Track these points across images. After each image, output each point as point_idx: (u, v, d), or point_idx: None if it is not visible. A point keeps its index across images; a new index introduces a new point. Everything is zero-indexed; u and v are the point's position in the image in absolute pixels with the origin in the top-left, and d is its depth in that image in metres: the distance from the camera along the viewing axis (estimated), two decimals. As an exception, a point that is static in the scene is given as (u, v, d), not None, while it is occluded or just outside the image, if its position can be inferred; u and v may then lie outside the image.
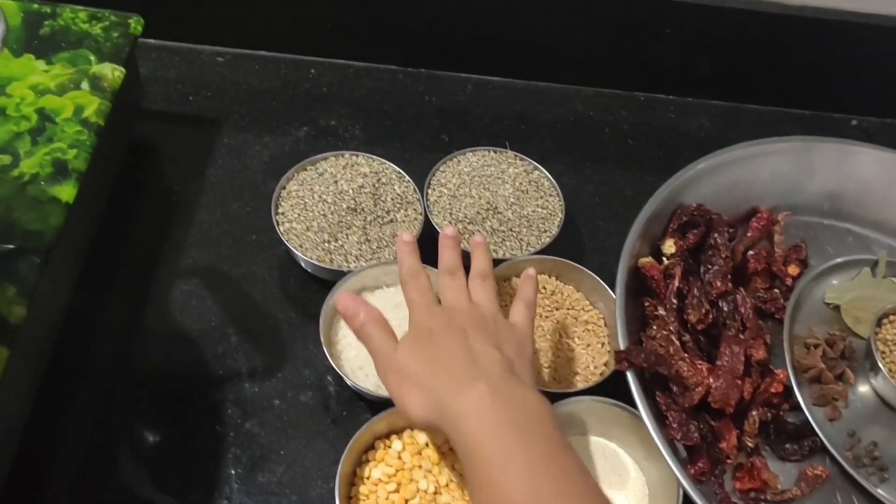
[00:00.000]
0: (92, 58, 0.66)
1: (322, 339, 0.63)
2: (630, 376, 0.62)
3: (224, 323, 0.69)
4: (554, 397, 0.62)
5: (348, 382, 0.63)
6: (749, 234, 0.75)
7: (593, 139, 0.87)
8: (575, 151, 0.85)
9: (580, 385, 0.65)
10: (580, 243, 0.77)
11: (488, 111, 0.87)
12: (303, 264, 0.70)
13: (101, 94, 0.64)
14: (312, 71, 0.88)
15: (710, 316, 0.67)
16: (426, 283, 0.58)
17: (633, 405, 0.61)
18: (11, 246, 0.55)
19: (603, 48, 0.88)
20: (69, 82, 0.65)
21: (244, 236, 0.74)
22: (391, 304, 0.67)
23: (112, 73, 0.66)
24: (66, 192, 0.58)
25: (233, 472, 0.61)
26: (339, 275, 0.66)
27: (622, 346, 0.63)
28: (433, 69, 0.90)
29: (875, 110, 0.92)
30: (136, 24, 0.69)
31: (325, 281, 0.68)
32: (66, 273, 0.64)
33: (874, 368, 0.68)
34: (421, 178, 0.74)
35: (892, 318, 0.70)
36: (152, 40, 0.86)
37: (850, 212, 0.80)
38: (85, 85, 0.65)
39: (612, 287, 0.67)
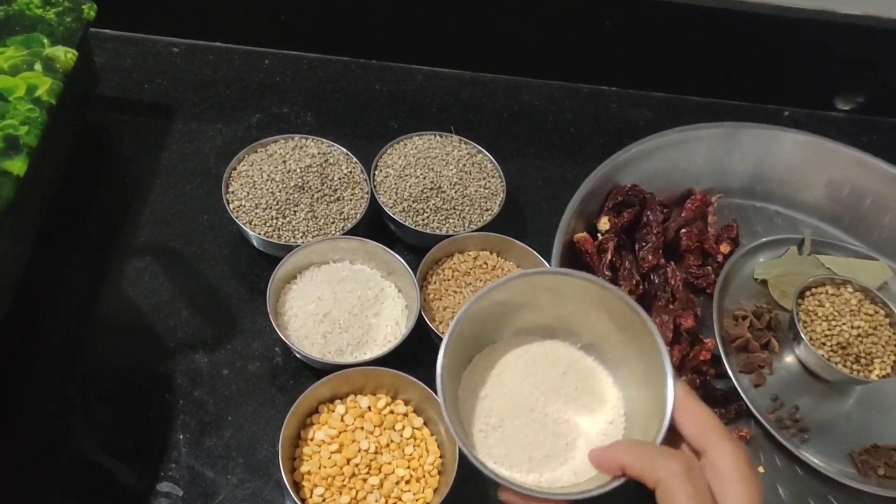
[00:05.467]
0: (45, 41, 0.69)
1: (269, 310, 0.65)
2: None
3: (175, 298, 0.71)
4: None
5: (294, 352, 0.66)
6: (683, 215, 0.79)
7: (537, 127, 0.90)
8: (519, 138, 0.88)
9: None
10: (523, 224, 0.81)
11: (437, 100, 0.90)
12: (253, 241, 0.72)
13: (54, 74, 0.66)
14: (266, 62, 0.91)
15: (642, 287, 0.70)
16: None
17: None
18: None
19: (547, 41, 0.91)
20: (22, 63, 0.67)
21: (196, 216, 0.76)
22: (337, 278, 0.69)
23: (65, 55, 0.68)
24: (17, 165, 0.60)
25: (181, 436, 0.63)
26: (286, 249, 0.69)
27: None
28: (385, 60, 0.93)
29: (806, 102, 0.97)
30: (89, 9, 0.71)
31: (274, 259, 0.71)
32: (18, 244, 0.65)
33: (797, 338, 0.72)
34: (370, 161, 0.77)
35: (813, 290, 0.74)
36: (108, 31, 0.88)
37: (778, 194, 0.84)
38: (38, 66, 0.67)
39: (551, 263, 0.70)
